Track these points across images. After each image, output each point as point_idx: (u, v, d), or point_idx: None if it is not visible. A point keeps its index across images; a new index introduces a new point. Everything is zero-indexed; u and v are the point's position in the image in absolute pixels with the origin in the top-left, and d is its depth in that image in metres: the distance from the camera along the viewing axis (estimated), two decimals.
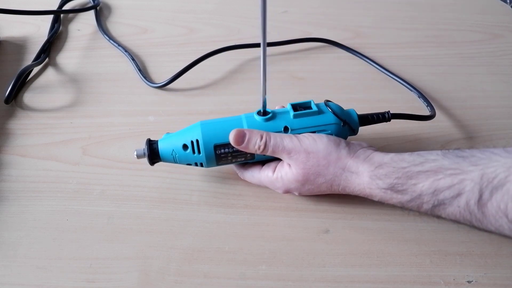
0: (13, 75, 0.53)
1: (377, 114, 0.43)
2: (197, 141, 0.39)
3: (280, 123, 0.40)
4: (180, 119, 0.51)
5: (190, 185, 0.44)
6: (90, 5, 0.69)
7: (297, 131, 0.39)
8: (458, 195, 0.32)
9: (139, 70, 0.57)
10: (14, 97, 0.53)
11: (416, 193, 0.34)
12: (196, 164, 0.40)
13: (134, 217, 0.41)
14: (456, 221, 0.34)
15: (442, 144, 0.48)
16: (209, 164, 0.40)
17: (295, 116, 0.40)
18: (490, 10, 0.71)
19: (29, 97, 0.54)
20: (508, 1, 0.74)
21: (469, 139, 0.49)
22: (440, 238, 0.39)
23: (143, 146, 0.40)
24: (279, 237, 0.39)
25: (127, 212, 0.41)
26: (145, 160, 0.40)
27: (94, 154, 0.47)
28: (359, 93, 0.55)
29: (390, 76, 0.57)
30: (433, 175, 0.34)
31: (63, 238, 0.39)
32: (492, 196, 0.31)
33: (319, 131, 0.40)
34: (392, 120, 0.44)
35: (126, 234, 0.40)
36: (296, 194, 0.41)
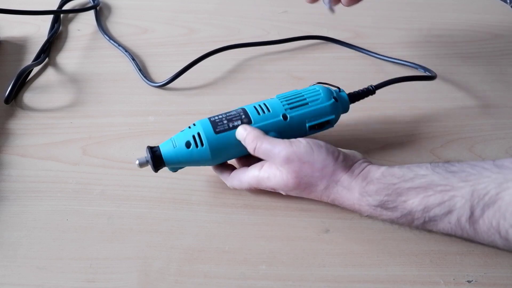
0: (13, 75, 0.53)
1: (363, 90, 0.46)
2: (199, 134, 0.38)
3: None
4: (180, 119, 0.51)
5: (190, 185, 0.44)
6: (90, 5, 0.69)
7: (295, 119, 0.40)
8: (449, 212, 0.32)
9: (139, 70, 0.57)
10: (14, 97, 0.53)
11: (406, 210, 0.34)
12: (202, 161, 0.39)
13: (134, 217, 0.41)
14: (448, 235, 0.34)
15: (442, 144, 0.48)
16: (214, 156, 0.39)
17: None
18: (490, 10, 0.71)
19: (29, 97, 0.54)
20: (508, 1, 0.74)
21: (469, 139, 0.49)
22: (440, 237, 0.39)
23: (144, 154, 0.39)
24: (279, 237, 0.39)
25: (127, 212, 0.41)
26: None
27: (94, 154, 0.47)
28: None
29: (383, 59, 0.58)
30: (423, 192, 0.33)
31: (63, 238, 0.39)
32: (483, 213, 0.31)
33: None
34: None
35: (126, 234, 0.40)
36: (283, 193, 0.40)
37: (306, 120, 0.40)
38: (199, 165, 0.41)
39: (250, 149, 0.38)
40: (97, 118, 0.51)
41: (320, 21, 0.68)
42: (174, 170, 0.41)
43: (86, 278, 0.36)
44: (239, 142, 0.39)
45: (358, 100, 0.46)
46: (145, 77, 0.56)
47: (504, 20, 0.69)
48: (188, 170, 0.44)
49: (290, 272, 0.37)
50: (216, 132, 0.39)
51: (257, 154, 0.38)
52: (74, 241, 0.39)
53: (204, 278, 0.37)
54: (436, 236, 0.39)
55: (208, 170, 0.45)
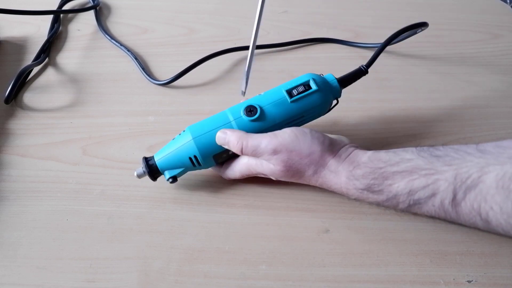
0: (13, 75, 0.53)
1: (354, 72, 0.44)
2: (195, 156, 0.39)
3: (268, 121, 0.40)
4: (180, 119, 0.51)
5: (190, 185, 0.44)
6: (90, 5, 0.69)
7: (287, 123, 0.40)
8: (433, 195, 0.33)
9: (143, 68, 0.57)
10: (14, 97, 0.53)
11: (391, 193, 0.35)
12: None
13: (134, 217, 0.41)
14: (431, 217, 0.35)
15: (442, 144, 0.48)
16: (209, 167, 0.42)
17: (287, 104, 0.40)
18: (490, 10, 0.71)
19: (29, 97, 0.54)
20: (508, 1, 0.74)
21: (469, 139, 0.49)
22: (440, 237, 0.39)
23: (141, 165, 0.41)
24: (279, 237, 0.39)
25: (127, 212, 0.41)
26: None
27: (94, 154, 0.47)
28: (359, 93, 0.55)
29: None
30: (408, 175, 0.34)
31: (63, 238, 0.39)
32: (465, 196, 0.32)
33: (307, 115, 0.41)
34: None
35: (126, 234, 0.40)
36: (273, 178, 0.40)
37: (282, 88, 0.40)
38: (189, 158, 0.39)
39: (237, 150, 0.39)
40: (97, 118, 0.51)
41: (320, 21, 0.68)
42: (171, 177, 0.40)
43: (86, 278, 0.36)
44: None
45: (350, 83, 0.44)
46: (148, 75, 0.56)
47: (504, 20, 0.69)
48: None
49: (290, 272, 0.37)
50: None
51: (245, 153, 0.39)
52: (74, 241, 0.39)
53: (204, 278, 0.37)
54: (436, 236, 0.39)
55: (208, 170, 0.45)
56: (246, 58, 0.60)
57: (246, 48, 0.61)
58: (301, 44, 0.63)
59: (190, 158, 0.39)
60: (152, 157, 0.41)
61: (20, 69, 0.54)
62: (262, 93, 0.41)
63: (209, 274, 0.37)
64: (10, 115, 0.51)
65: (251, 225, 0.40)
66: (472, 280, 0.36)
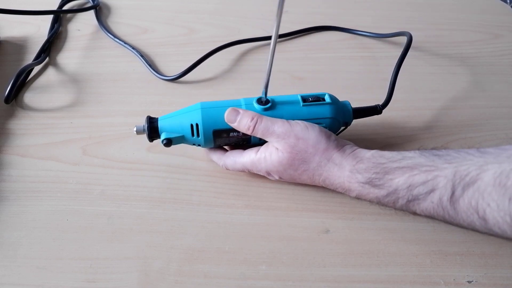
0: (13, 75, 0.53)
1: (369, 107, 0.46)
2: (197, 125, 0.39)
3: (277, 113, 0.40)
4: None
5: (190, 185, 0.44)
6: (90, 5, 0.69)
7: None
8: (432, 190, 0.34)
9: (149, 65, 0.57)
10: (14, 97, 0.53)
11: (392, 188, 0.35)
12: (193, 144, 0.41)
13: (134, 217, 0.41)
14: (431, 217, 0.36)
15: (442, 144, 0.48)
16: (206, 146, 0.41)
17: (299, 107, 0.41)
18: (490, 10, 0.71)
19: (29, 97, 0.54)
20: (508, 1, 0.74)
21: (470, 139, 0.49)
22: (440, 238, 0.39)
23: (143, 123, 0.41)
24: (279, 237, 0.39)
25: (127, 212, 0.41)
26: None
27: (94, 154, 0.47)
28: (359, 93, 0.55)
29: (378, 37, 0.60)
30: (409, 171, 0.35)
31: (63, 238, 0.39)
32: (464, 192, 0.32)
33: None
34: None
35: (126, 234, 0.40)
36: (276, 177, 0.41)
37: (298, 94, 0.42)
38: (191, 125, 0.40)
39: (248, 128, 0.39)
40: (97, 118, 0.51)
41: (320, 21, 0.68)
42: (166, 139, 0.40)
43: (86, 278, 0.36)
44: (230, 104, 0.41)
45: (362, 116, 0.46)
46: (155, 71, 0.57)
47: (504, 20, 0.69)
48: (188, 170, 0.45)
49: (290, 272, 0.37)
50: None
51: (255, 132, 0.39)
52: (74, 241, 0.39)
53: (204, 278, 0.37)
54: (437, 236, 0.39)
55: (208, 170, 0.45)
56: (246, 55, 0.61)
57: (248, 41, 0.61)
58: (301, 33, 0.64)
59: (192, 126, 0.40)
60: (156, 118, 0.41)
61: (20, 69, 0.54)
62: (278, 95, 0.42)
63: (209, 274, 0.37)
64: (10, 115, 0.51)
65: (251, 225, 0.40)
66: (472, 281, 0.36)
